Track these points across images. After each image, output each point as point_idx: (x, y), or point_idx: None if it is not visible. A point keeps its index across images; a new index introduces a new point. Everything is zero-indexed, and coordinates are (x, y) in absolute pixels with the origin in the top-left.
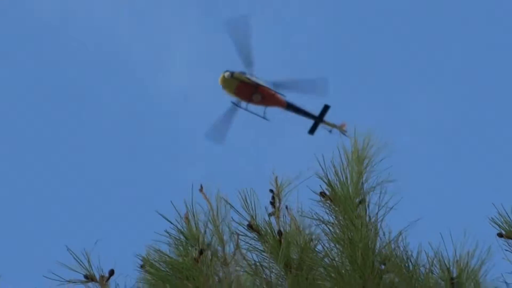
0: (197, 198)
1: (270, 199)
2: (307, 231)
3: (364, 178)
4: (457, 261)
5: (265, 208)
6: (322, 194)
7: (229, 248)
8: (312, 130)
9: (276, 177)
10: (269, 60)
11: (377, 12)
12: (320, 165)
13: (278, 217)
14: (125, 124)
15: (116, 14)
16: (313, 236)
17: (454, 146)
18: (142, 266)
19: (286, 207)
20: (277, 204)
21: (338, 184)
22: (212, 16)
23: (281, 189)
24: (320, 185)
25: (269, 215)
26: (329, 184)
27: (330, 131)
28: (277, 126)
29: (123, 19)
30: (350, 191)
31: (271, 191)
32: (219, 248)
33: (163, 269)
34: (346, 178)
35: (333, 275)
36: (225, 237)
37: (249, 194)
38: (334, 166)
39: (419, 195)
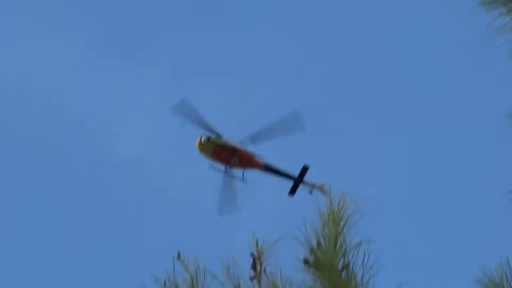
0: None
1: (251, 263)
2: None
3: (341, 240)
4: None
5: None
6: (306, 261)
7: None
8: (292, 191)
9: (257, 240)
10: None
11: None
12: (301, 230)
13: (259, 282)
14: (86, 190)
15: (70, 81)
16: None
17: (426, 196)
18: None
19: (265, 271)
20: (259, 268)
21: (319, 251)
22: (172, 84)
23: (262, 253)
24: (304, 252)
25: (251, 279)
26: (312, 251)
27: (311, 192)
28: (249, 188)
29: (77, 86)
30: (332, 256)
31: (252, 254)
32: None
33: None
34: (328, 243)
35: None
36: None
37: (231, 264)
38: (316, 232)
39: (402, 253)
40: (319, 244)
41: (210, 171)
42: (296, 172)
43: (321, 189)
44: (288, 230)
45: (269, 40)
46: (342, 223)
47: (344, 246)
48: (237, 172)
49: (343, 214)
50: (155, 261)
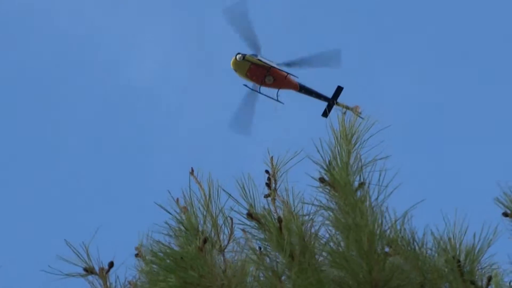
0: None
1: (265, 180)
2: (306, 216)
3: (356, 157)
4: (461, 243)
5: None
6: (322, 179)
7: (224, 234)
8: (326, 113)
9: (272, 157)
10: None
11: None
12: (317, 149)
13: (274, 200)
14: (105, 113)
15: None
16: (314, 222)
17: (446, 121)
18: (137, 255)
19: (276, 190)
20: (273, 186)
21: (334, 169)
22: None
23: (277, 170)
24: (319, 170)
25: (265, 197)
26: (328, 169)
27: (344, 113)
28: (264, 107)
29: (95, 10)
30: (349, 175)
31: (267, 172)
32: (213, 234)
33: (166, 260)
34: (344, 162)
35: (338, 261)
36: (220, 223)
37: (246, 181)
38: (331, 151)
39: (417, 173)
40: (333, 162)
41: (228, 92)
42: (329, 94)
43: (355, 110)
44: (304, 148)
45: None
46: (354, 140)
47: (359, 164)
48: (271, 91)
49: (355, 130)
50: (171, 180)
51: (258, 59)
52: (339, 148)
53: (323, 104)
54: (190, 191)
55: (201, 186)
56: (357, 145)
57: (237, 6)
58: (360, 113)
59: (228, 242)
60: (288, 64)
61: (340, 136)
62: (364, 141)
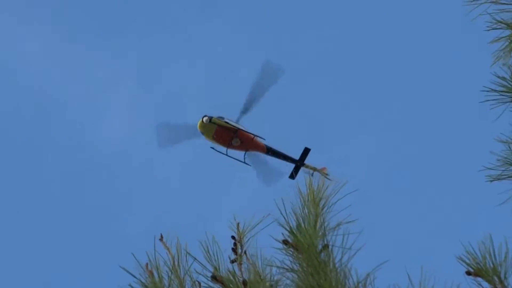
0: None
1: (231, 245)
2: (270, 279)
3: (322, 221)
4: None
5: (228, 256)
6: (285, 242)
7: None
8: (293, 175)
9: (238, 223)
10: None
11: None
12: (280, 212)
13: (240, 264)
14: (72, 175)
15: (51, 69)
16: (278, 284)
17: (411, 181)
18: None
19: (245, 253)
20: (239, 251)
21: (298, 232)
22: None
23: (242, 235)
24: (282, 233)
25: (232, 262)
26: (291, 231)
27: (312, 175)
28: (226, 171)
29: (58, 74)
30: (311, 237)
31: (233, 237)
32: None
33: None
34: (308, 224)
35: None
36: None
37: (211, 244)
38: (295, 214)
39: (382, 234)
40: (298, 225)
41: (191, 157)
42: (297, 156)
43: (322, 172)
44: (270, 212)
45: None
46: (322, 203)
47: (323, 227)
48: (239, 153)
49: (323, 194)
50: (138, 244)
51: (225, 122)
52: (306, 211)
53: (291, 166)
54: (155, 255)
55: (169, 251)
56: (325, 209)
57: (274, 66)
58: (328, 174)
59: None
60: (244, 110)
61: (308, 199)
62: (331, 204)
